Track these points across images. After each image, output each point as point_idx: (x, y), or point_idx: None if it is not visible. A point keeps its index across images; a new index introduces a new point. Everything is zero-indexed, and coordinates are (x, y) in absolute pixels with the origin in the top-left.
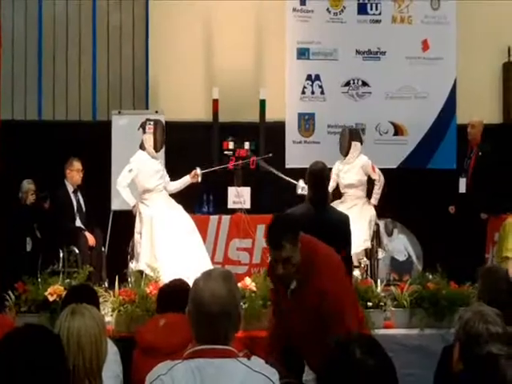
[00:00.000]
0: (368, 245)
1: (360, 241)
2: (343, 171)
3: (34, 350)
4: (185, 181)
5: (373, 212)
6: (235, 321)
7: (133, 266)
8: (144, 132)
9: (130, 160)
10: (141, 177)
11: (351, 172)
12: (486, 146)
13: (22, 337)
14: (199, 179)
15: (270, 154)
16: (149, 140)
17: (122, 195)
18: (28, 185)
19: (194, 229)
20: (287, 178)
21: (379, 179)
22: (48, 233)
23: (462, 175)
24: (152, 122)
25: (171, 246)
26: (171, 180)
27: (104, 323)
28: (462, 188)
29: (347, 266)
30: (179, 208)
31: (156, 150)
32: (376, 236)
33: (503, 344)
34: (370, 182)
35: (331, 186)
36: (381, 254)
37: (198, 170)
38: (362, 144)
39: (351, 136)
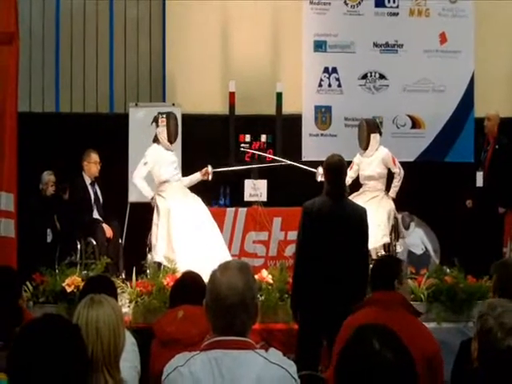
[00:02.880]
0: (387, 240)
1: (379, 235)
2: (364, 163)
3: (53, 340)
4: (195, 178)
5: (392, 205)
6: (252, 312)
7: (150, 257)
8: (157, 126)
9: (144, 154)
10: (156, 168)
11: (372, 164)
12: (503, 138)
13: (41, 327)
14: (210, 177)
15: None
16: (162, 133)
17: (138, 188)
18: (48, 176)
19: (211, 219)
20: (305, 167)
21: (399, 172)
22: (67, 224)
23: (479, 169)
24: (164, 115)
25: (189, 237)
26: (185, 174)
27: (122, 314)
28: (479, 182)
29: (365, 260)
30: (196, 199)
31: (170, 141)
32: (395, 230)
33: None
34: (389, 175)
35: (351, 177)
36: (399, 248)
37: (210, 168)
38: (381, 135)
39: (369, 128)
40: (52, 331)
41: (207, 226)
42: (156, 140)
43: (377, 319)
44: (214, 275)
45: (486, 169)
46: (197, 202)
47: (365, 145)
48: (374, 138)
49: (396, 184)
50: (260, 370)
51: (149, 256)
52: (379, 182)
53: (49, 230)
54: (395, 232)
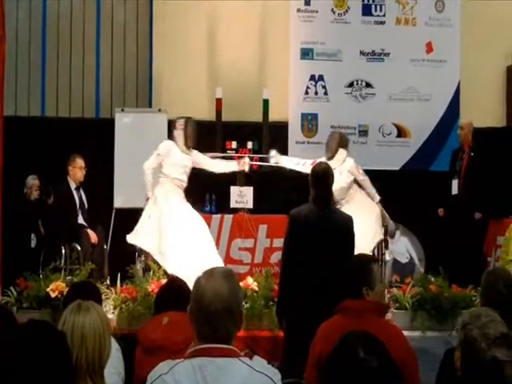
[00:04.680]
0: (380, 237)
1: (369, 239)
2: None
3: (38, 346)
4: (230, 166)
5: (377, 209)
6: (237, 319)
7: (129, 238)
8: (175, 128)
9: (158, 146)
10: (166, 160)
11: (340, 177)
12: (477, 146)
13: (27, 332)
14: (247, 168)
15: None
16: (178, 136)
17: (144, 178)
18: (33, 181)
19: (205, 226)
20: (292, 167)
21: (364, 179)
22: (51, 229)
23: (455, 177)
24: (182, 120)
25: (180, 241)
26: None
27: (108, 322)
28: (455, 189)
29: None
30: (190, 207)
31: (187, 146)
32: (383, 239)
33: (508, 349)
34: None
35: None
36: (388, 257)
37: (247, 159)
38: (347, 152)
39: (341, 141)
40: (38, 337)
41: (200, 231)
42: (173, 140)
43: (345, 327)
44: (198, 282)
45: (461, 177)
46: (191, 210)
47: (330, 155)
48: (342, 153)
49: (370, 190)
50: (244, 378)
51: (128, 237)
52: (351, 189)
53: (33, 235)
54: (384, 241)
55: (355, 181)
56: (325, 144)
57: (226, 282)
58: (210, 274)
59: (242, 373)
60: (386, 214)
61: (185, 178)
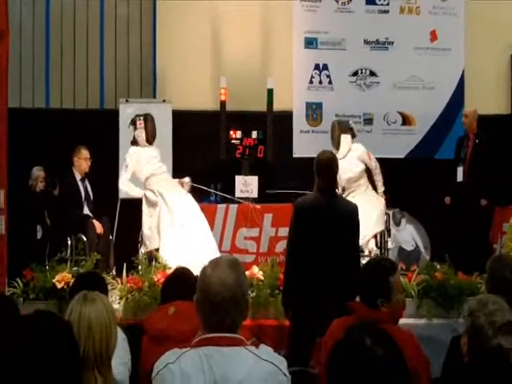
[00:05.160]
0: (380, 228)
1: (370, 226)
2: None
3: (44, 336)
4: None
5: (383, 202)
6: (243, 308)
7: (144, 249)
8: (135, 128)
9: (124, 157)
10: (138, 168)
11: (348, 165)
12: (482, 133)
13: (33, 323)
14: (186, 188)
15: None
16: (140, 134)
17: (127, 193)
18: (38, 172)
19: (200, 212)
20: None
21: (376, 166)
22: (57, 220)
23: (460, 164)
24: (142, 117)
25: (176, 230)
26: (175, 170)
27: (114, 312)
28: (460, 177)
29: (357, 256)
30: (183, 191)
31: (149, 142)
32: (386, 226)
33: None
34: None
35: None
36: (390, 244)
37: (187, 179)
38: (353, 137)
39: (340, 128)
40: (44, 328)
41: (195, 219)
42: (134, 142)
43: None
44: (204, 271)
45: (466, 164)
46: (185, 195)
47: (335, 144)
48: (345, 138)
49: (378, 179)
50: (251, 366)
51: (141, 250)
52: (361, 180)
53: (39, 227)
54: (386, 229)
55: (366, 171)
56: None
57: (231, 272)
58: (215, 263)
59: (248, 361)
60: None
61: (160, 164)
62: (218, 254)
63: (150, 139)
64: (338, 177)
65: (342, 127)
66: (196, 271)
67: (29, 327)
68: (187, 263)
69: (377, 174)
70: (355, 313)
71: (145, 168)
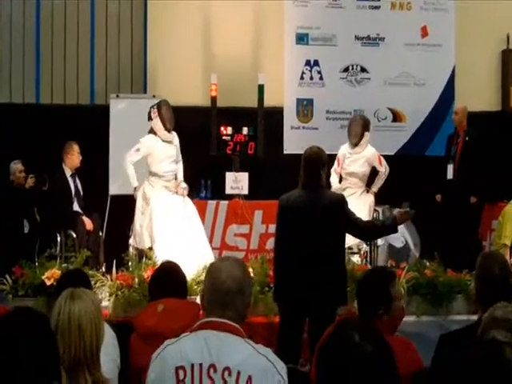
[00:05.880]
0: None
1: None
2: (350, 159)
3: (20, 333)
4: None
5: (371, 199)
6: (247, 301)
7: (133, 242)
8: (151, 119)
9: (139, 140)
10: (150, 159)
11: (357, 163)
12: (472, 131)
13: (9, 319)
14: (185, 193)
15: None
16: (157, 124)
17: (126, 172)
18: (15, 165)
19: (196, 215)
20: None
21: (384, 171)
22: (46, 216)
23: (450, 161)
24: (155, 106)
25: (170, 233)
26: None
27: (100, 306)
28: (450, 174)
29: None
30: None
31: (167, 129)
32: None
33: (508, 331)
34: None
35: (337, 172)
36: (380, 241)
37: (183, 184)
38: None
39: (365, 125)
40: (20, 323)
41: (190, 221)
42: (152, 131)
43: None
44: (212, 264)
45: (456, 161)
46: (185, 197)
47: (357, 140)
48: (367, 136)
49: (380, 181)
50: (246, 356)
51: (130, 241)
52: (361, 180)
53: (25, 221)
54: None
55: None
56: (346, 131)
57: (239, 267)
58: (224, 258)
59: (244, 351)
60: None
61: (174, 166)
62: (212, 259)
63: (168, 125)
64: (333, 170)
65: (366, 124)
66: (190, 275)
67: (4, 322)
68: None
69: (381, 178)
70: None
71: (156, 165)
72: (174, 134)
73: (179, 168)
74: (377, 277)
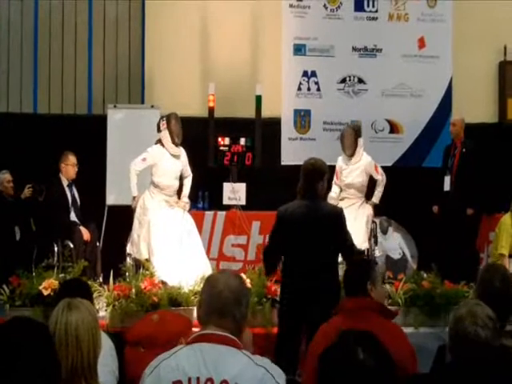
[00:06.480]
0: (366, 246)
1: (358, 242)
2: (347, 171)
3: (20, 342)
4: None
5: (370, 211)
6: (244, 312)
7: (129, 249)
8: (159, 131)
9: (147, 149)
10: (154, 170)
11: (354, 173)
12: (469, 142)
13: (8, 329)
14: (187, 208)
15: None
16: (165, 136)
17: (130, 180)
18: (3, 175)
19: (194, 228)
20: None
21: (382, 179)
22: (44, 227)
23: (447, 173)
24: (164, 118)
25: (168, 246)
26: None
27: (97, 316)
28: (447, 186)
29: (350, 253)
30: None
31: (174, 142)
32: (373, 234)
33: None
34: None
35: (337, 184)
36: (378, 253)
37: (186, 199)
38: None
39: (356, 133)
40: (19, 333)
41: (190, 236)
42: (160, 142)
43: (346, 327)
44: (210, 276)
45: (453, 173)
46: (184, 211)
47: (352, 151)
48: (360, 142)
49: (379, 190)
50: (243, 367)
51: (128, 249)
52: (359, 190)
53: (17, 228)
54: (373, 237)
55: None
56: (340, 142)
57: (236, 279)
58: (222, 270)
59: (241, 362)
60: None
61: (177, 183)
62: (210, 272)
63: (176, 139)
64: (334, 182)
65: (357, 131)
66: (187, 288)
67: (4, 331)
68: (179, 280)
69: (380, 186)
70: (341, 310)
71: (159, 177)
72: (182, 149)
73: (186, 183)
74: (361, 260)
